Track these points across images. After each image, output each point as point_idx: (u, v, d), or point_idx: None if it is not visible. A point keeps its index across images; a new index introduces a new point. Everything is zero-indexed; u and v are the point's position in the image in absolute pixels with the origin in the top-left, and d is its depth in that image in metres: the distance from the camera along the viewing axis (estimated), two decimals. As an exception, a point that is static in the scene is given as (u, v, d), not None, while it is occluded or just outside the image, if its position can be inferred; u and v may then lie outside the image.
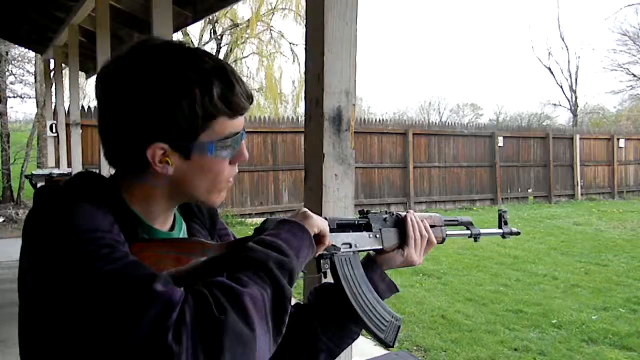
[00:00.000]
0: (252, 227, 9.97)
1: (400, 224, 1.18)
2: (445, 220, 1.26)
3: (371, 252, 1.16)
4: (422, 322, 4.79)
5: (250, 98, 0.94)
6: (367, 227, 1.14)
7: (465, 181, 13.66)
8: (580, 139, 15.31)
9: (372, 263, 1.16)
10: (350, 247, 1.08)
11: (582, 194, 15.14)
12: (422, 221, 1.20)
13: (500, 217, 1.36)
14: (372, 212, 1.15)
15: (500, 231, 1.36)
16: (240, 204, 10.91)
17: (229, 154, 0.93)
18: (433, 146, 13.25)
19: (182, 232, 1.02)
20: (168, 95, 0.85)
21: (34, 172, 7.54)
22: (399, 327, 1.12)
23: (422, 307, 5.21)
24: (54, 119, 8.61)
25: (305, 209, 0.97)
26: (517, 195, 14.23)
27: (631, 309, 5.19)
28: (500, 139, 14.02)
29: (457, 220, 1.30)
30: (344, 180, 1.67)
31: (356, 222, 1.12)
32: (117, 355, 0.70)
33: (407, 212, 1.19)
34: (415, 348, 4.24)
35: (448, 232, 1.27)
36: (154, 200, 0.93)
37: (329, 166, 1.64)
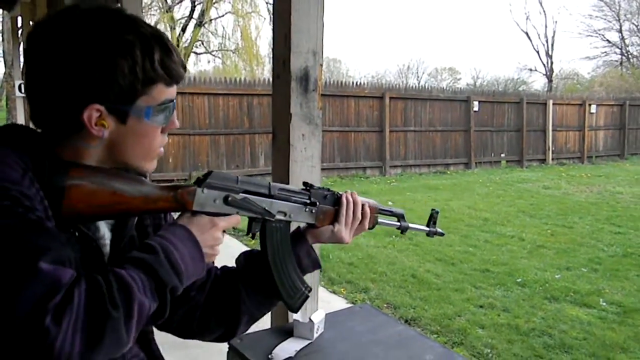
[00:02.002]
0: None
1: (336, 202, 1.21)
2: (380, 209, 1.30)
3: (301, 225, 1.20)
4: (393, 281, 4.94)
5: (184, 68, 0.96)
6: (306, 200, 1.16)
7: (440, 145, 13.79)
8: (553, 104, 15.50)
9: (301, 237, 1.20)
10: (285, 215, 1.11)
11: (552, 159, 15.44)
12: (359, 202, 1.23)
13: (431, 216, 1.41)
14: (315, 187, 1.18)
15: (427, 229, 1.40)
16: (216, 167, 10.86)
17: (163, 121, 0.95)
18: (409, 110, 13.29)
19: None
20: (108, 56, 0.85)
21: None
22: (307, 296, 1.16)
23: (393, 267, 5.35)
24: (22, 78, 8.37)
25: (216, 225, 0.97)
26: (490, 160, 14.43)
27: (592, 268, 5.40)
28: (476, 103, 14.12)
29: (391, 211, 1.35)
30: (311, 140, 1.71)
31: (297, 193, 1.15)
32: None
33: (345, 192, 1.23)
34: (385, 305, 4.38)
35: (380, 220, 1.31)
36: (85, 161, 0.92)
37: (296, 126, 1.66)
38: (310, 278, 1.30)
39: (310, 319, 1.56)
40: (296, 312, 1.17)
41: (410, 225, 1.37)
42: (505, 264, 5.51)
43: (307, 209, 1.16)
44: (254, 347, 1.48)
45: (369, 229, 1.27)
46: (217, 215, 0.97)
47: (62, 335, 0.69)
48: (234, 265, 1.20)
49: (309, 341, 1.54)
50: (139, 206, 0.91)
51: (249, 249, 1.21)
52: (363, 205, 1.24)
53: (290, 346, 1.50)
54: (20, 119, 8.30)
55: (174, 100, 0.96)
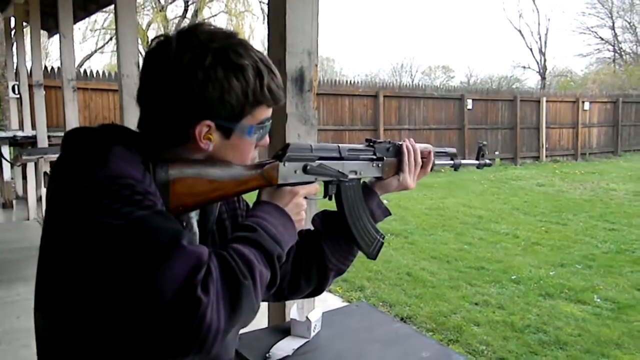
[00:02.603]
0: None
1: (398, 152, 1.30)
2: (435, 151, 1.40)
3: (371, 178, 1.30)
4: (389, 279, 4.95)
5: (284, 91, 1.06)
6: (373, 156, 1.25)
7: (434, 143, 13.71)
8: (547, 101, 15.57)
9: (370, 191, 1.29)
10: (356, 173, 1.21)
11: (546, 156, 15.51)
12: (417, 148, 1.33)
13: (480, 149, 1.54)
14: (378, 141, 1.27)
15: (477, 162, 1.53)
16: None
17: (259, 138, 1.02)
18: (403, 108, 13.32)
19: None
20: (225, 77, 0.91)
21: (-4, 134, 7.34)
22: (382, 243, 1.27)
23: (388, 265, 5.36)
24: (16, 80, 8.33)
25: (297, 193, 1.04)
26: (485, 158, 14.48)
27: (587, 265, 5.43)
28: (469, 101, 14.16)
29: (445, 152, 1.46)
30: (307, 139, 1.71)
31: (363, 151, 1.23)
32: (146, 305, 0.74)
33: (403, 141, 1.31)
34: (381, 303, 4.39)
35: (436, 162, 1.41)
36: None
37: (292, 126, 1.67)
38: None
39: (307, 317, 1.57)
40: (374, 258, 1.27)
41: (462, 161, 1.49)
42: (499, 261, 5.54)
43: (374, 164, 1.25)
44: (251, 346, 1.49)
45: (430, 171, 1.38)
46: (299, 185, 1.06)
47: (211, 304, 0.75)
48: (311, 227, 1.28)
49: (306, 340, 1.55)
50: (233, 189, 0.99)
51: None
52: (422, 151, 1.34)
53: (288, 345, 1.51)
54: (14, 121, 8.25)
55: (270, 119, 1.03)
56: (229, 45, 0.93)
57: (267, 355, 1.45)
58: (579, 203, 8.95)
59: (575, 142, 16.23)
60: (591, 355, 3.46)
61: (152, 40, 0.97)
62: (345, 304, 4.17)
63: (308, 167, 1.07)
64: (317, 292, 1.28)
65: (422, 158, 1.33)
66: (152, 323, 0.74)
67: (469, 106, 14.14)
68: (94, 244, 0.78)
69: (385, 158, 1.27)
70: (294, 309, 1.60)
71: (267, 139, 1.05)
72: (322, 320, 1.62)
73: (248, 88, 0.93)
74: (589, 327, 3.88)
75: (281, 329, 1.62)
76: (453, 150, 1.48)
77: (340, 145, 1.17)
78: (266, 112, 1.00)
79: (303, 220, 1.06)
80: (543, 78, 32.24)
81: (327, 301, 4.23)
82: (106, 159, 0.83)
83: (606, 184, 11.04)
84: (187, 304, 0.73)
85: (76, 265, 0.81)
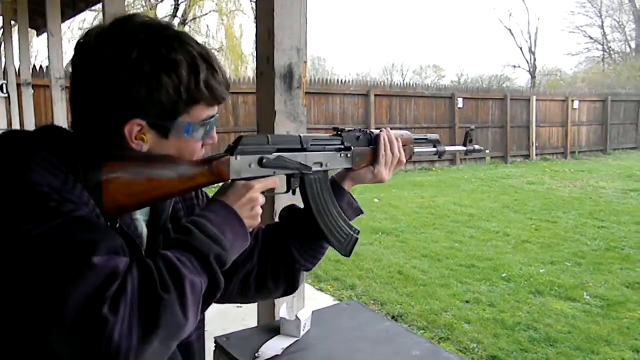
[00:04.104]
0: (213, 187, 9.92)
1: (373, 142, 1.21)
2: (415, 139, 1.31)
3: (340, 170, 1.21)
4: (380, 278, 4.95)
5: (228, 87, 0.96)
6: (340, 146, 1.16)
7: (425, 142, 13.84)
8: (537, 100, 15.64)
9: (339, 188, 1.20)
10: (321, 165, 1.12)
11: (536, 154, 15.59)
12: (395, 139, 1.23)
13: (467, 134, 1.43)
14: (346, 130, 1.19)
15: (464, 148, 1.42)
16: (201, 165, 10.80)
17: (202, 136, 0.95)
18: (394, 107, 13.33)
19: None
20: (154, 74, 0.85)
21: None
22: (356, 239, 1.19)
23: (379, 264, 5.36)
24: (4, 79, 8.24)
25: (251, 187, 0.96)
26: (475, 156, 14.52)
27: (576, 262, 5.46)
28: (460, 99, 14.20)
29: (426, 138, 1.36)
30: (296, 137, 1.70)
31: (329, 140, 1.16)
32: (50, 325, 0.69)
33: (381, 130, 1.23)
34: (372, 302, 4.39)
35: (416, 149, 1.32)
36: None
37: (280, 123, 1.66)
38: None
39: (296, 316, 1.55)
40: (349, 255, 1.19)
41: (447, 148, 1.38)
42: (490, 259, 5.55)
43: (341, 155, 1.16)
44: (240, 346, 1.48)
45: (407, 161, 1.28)
46: (255, 179, 0.98)
47: (119, 322, 0.69)
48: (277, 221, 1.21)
49: (296, 339, 1.54)
50: (177, 186, 0.91)
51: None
52: (399, 140, 1.24)
53: (277, 344, 1.50)
54: (2, 121, 8.16)
55: (215, 116, 0.96)
56: (160, 38, 0.87)
57: (256, 354, 1.44)
58: (569, 201, 9.00)
59: (564, 141, 16.32)
60: (581, 352, 3.48)
61: (85, 31, 0.91)
62: (336, 302, 4.16)
63: (264, 160, 0.99)
64: (290, 290, 1.21)
65: (398, 149, 1.23)
66: (58, 343, 0.69)
67: (460, 105, 14.18)
68: (2, 254, 0.73)
69: (353, 147, 1.17)
70: (283, 308, 1.59)
71: (214, 136, 0.99)
72: (312, 319, 1.61)
73: (181, 85, 0.86)
74: (579, 324, 3.90)
75: (270, 328, 1.60)
76: (435, 136, 1.37)
77: (302, 135, 1.09)
78: (207, 110, 0.93)
79: (258, 215, 0.98)
80: (533, 77, 32.43)
81: (318, 300, 4.22)
82: (25, 166, 0.78)
83: (595, 182, 11.12)
84: (90, 324, 0.68)
85: None
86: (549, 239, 6.41)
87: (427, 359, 1.46)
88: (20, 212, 0.74)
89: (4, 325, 0.78)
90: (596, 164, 14.67)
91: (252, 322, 1.80)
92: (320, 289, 4.66)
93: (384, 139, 1.21)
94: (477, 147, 1.44)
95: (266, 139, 1.02)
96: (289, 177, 1.08)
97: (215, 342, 1.49)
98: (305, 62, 1.69)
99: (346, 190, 1.21)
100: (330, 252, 1.23)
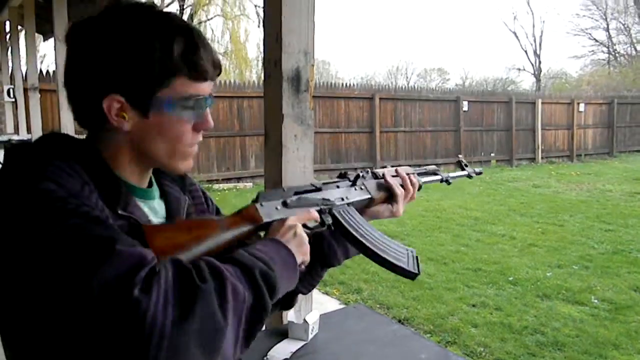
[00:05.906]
0: (219, 193, 9.95)
1: (382, 178, 1.27)
2: (418, 173, 1.37)
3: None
4: (386, 282, 4.93)
5: (217, 66, 0.94)
6: (348, 182, 1.21)
7: (430, 145, 13.84)
8: (542, 103, 15.61)
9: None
10: (343, 199, 1.16)
11: (542, 157, 15.54)
12: (406, 179, 1.29)
13: (459, 163, 1.53)
14: (348, 174, 1.22)
15: (465, 173, 1.51)
16: (207, 170, 10.84)
17: (191, 117, 0.92)
18: (399, 110, 13.33)
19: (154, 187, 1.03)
20: (125, 46, 0.85)
21: (-9, 138, 7.30)
22: (416, 256, 1.17)
23: (385, 267, 5.34)
24: (11, 84, 8.30)
25: (290, 222, 0.99)
26: (481, 159, 14.50)
27: (583, 265, 5.43)
28: (465, 103, 14.18)
29: (426, 171, 1.43)
30: (303, 140, 1.71)
31: (337, 181, 1.20)
32: (84, 312, 0.68)
33: (386, 168, 1.29)
34: (378, 306, 4.38)
35: (423, 180, 1.38)
36: (123, 158, 0.92)
37: (288, 127, 1.66)
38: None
39: (304, 320, 1.55)
40: (418, 273, 1.14)
41: (450, 174, 1.46)
42: (496, 262, 5.53)
43: (356, 188, 1.21)
44: (248, 349, 1.47)
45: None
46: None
47: (153, 305, 0.68)
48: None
49: (304, 342, 1.54)
50: (215, 250, 0.91)
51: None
52: (410, 177, 1.30)
53: (286, 347, 1.50)
54: (10, 125, 8.22)
55: (207, 97, 0.93)
56: (132, 10, 0.88)
57: (265, 358, 1.44)
58: (575, 204, 8.96)
59: (570, 144, 16.27)
60: (589, 356, 3.46)
61: None
62: (343, 306, 4.15)
63: (288, 202, 1.04)
64: (283, 309, 1.27)
65: (411, 184, 1.30)
66: (94, 330, 0.69)
67: (465, 108, 14.16)
68: (25, 258, 0.73)
69: (363, 181, 1.23)
70: (291, 312, 1.59)
71: (208, 120, 0.95)
72: (320, 322, 1.61)
73: (154, 56, 0.85)
74: (587, 328, 3.87)
75: (279, 331, 1.61)
76: (433, 167, 1.46)
77: (314, 183, 1.14)
78: (192, 87, 0.90)
79: (307, 249, 0.99)
80: (538, 80, 32.38)
81: (324, 304, 4.21)
82: (41, 174, 0.78)
83: (602, 185, 11.07)
84: (123, 304, 0.67)
85: (13, 285, 0.76)
86: (555, 242, 6.38)
87: (436, 363, 1.46)
88: (40, 216, 0.74)
89: (27, 328, 0.78)
90: (602, 166, 14.60)
91: (260, 325, 1.80)
92: (326, 293, 4.65)
93: (399, 175, 1.29)
94: (477, 170, 1.54)
95: (282, 189, 1.07)
96: (319, 214, 1.09)
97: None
98: (313, 65, 1.69)
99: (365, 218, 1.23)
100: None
